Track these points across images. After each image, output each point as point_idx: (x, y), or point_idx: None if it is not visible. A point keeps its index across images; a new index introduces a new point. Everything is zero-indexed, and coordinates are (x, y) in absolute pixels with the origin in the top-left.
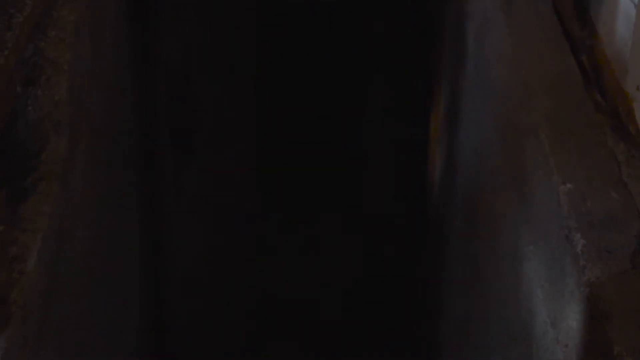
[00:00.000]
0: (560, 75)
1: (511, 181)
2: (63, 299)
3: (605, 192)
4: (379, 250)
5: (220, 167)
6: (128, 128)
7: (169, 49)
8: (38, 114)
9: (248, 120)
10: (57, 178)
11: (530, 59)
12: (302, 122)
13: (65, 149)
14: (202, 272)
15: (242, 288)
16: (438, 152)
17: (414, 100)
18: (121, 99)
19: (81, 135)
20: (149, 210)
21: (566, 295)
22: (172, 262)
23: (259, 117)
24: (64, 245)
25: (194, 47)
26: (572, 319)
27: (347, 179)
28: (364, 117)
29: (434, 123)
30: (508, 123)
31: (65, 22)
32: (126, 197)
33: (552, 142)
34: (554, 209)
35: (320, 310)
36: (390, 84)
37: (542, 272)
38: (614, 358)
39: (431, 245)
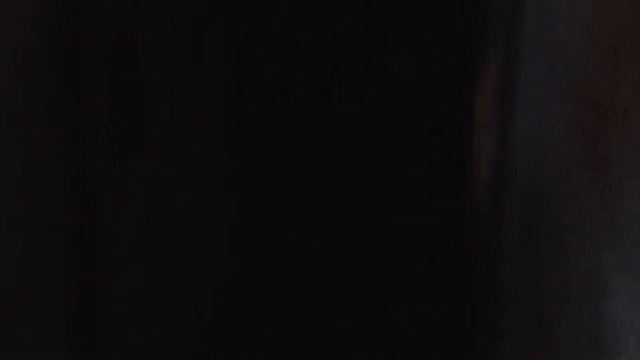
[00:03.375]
0: None
1: (589, 182)
2: None
3: None
4: (405, 273)
5: (181, 159)
6: (49, 107)
7: None
8: None
9: (221, 93)
10: None
11: (617, 11)
12: (295, 101)
13: None
14: (152, 308)
15: (210, 327)
16: (485, 139)
17: (451, 69)
18: (38, 64)
19: None
20: (77, 221)
21: None
22: (109, 294)
23: (236, 89)
24: None
25: None
26: None
27: (360, 180)
28: (383, 95)
29: (479, 100)
30: (585, 100)
31: None
32: (45, 206)
33: None
34: None
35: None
36: (419, 48)
37: (635, 312)
38: None
39: (476, 266)
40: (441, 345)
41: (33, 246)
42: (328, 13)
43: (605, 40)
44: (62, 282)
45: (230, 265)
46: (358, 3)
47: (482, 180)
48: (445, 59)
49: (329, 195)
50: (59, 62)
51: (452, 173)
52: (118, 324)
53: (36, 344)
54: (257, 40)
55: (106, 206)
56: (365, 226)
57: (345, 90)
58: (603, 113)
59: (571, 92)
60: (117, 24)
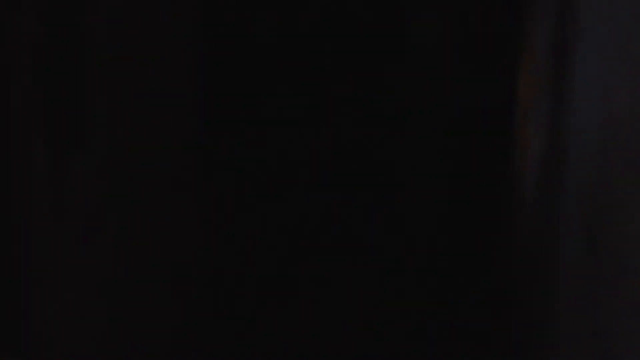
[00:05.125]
0: None
1: None
2: None
3: None
4: (440, 282)
5: (136, 157)
6: None
7: None
8: None
9: (191, 69)
10: None
11: None
12: (287, 83)
13: None
14: (90, 311)
15: (155, 328)
16: (533, 131)
17: (489, 43)
18: None
19: None
20: (8, 224)
21: None
22: (42, 297)
23: (211, 66)
24: None
25: None
26: None
27: (368, 179)
28: (400, 73)
29: (525, 82)
30: None
31: None
32: None
33: None
34: None
35: None
36: (448, 16)
37: None
38: None
39: (526, 279)
40: (488, 355)
41: None
42: None
43: None
44: None
45: (177, 268)
46: None
47: (529, 182)
48: (481, 32)
49: (341, 197)
50: None
51: (491, 173)
52: (51, 326)
53: None
54: (232, 19)
55: (41, 208)
56: (395, 233)
57: (359, 62)
58: None
59: None
60: (56, 6)
